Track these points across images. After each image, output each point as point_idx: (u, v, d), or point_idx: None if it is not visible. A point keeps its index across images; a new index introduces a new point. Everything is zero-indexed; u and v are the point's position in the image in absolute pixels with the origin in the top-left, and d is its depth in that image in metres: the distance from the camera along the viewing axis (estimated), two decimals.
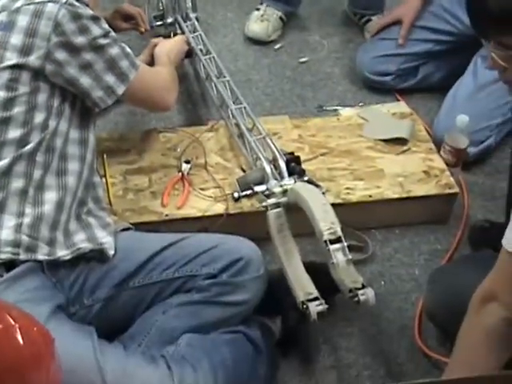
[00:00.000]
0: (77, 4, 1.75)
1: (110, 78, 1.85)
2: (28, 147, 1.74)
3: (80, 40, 1.76)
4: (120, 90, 1.88)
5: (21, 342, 1.28)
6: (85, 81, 1.80)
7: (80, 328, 1.74)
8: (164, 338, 1.80)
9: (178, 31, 2.82)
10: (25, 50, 1.72)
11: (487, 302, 1.52)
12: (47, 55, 1.73)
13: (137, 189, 2.30)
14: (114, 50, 1.84)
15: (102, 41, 1.80)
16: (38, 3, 1.73)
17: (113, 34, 1.85)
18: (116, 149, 2.46)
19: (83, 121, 1.86)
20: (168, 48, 2.42)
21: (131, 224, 2.04)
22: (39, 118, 1.75)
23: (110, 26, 1.87)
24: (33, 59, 1.72)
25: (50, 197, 1.77)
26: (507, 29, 1.48)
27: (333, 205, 1.85)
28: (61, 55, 1.74)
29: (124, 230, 1.96)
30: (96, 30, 1.79)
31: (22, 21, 1.72)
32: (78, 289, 1.80)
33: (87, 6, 1.80)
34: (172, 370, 1.69)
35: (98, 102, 1.85)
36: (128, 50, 1.90)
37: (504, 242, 1.47)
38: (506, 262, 1.48)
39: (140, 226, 2.08)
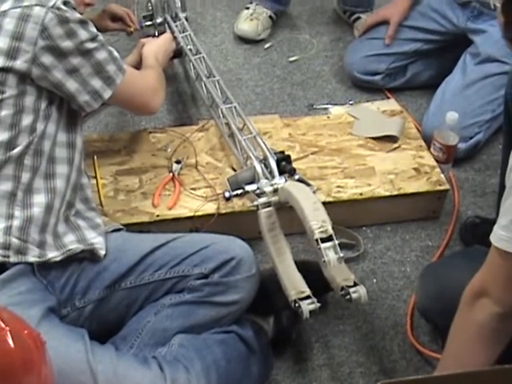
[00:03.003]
0: (64, 8, 1.73)
1: (96, 83, 1.84)
2: (16, 150, 1.73)
3: (67, 44, 1.74)
4: (106, 94, 1.87)
5: (11, 345, 1.28)
6: (71, 85, 1.79)
7: (72, 330, 1.73)
8: (156, 338, 1.80)
9: (168, 31, 2.82)
10: (11, 54, 1.70)
11: (478, 297, 1.53)
12: (34, 59, 1.71)
13: (127, 189, 2.30)
14: (102, 55, 1.83)
15: (90, 45, 1.79)
16: (24, 7, 1.71)
17: (101, 37, 1.83)
18: (106, 150, 2.46)
19: (70, 123, 1.86)
20: (155, 48, 2.41)
21: (122, 225, 2.04)
22: (27, 120, 1.74)
23: (97, 26, 1.86)
24: (19, 63, 1.71)
25: (39, 200, 1.77)
26: None
27: (324, 203, 1.85)
28: (47, 59, 1.73)
29: (115, 230, 1.95)
30: (83, 34, 1.77)
31: (9, 24, 1.70)
32: (70, 291, 1.80)
33: (75, 9, 1.78)
34: (164, 371, 1.69)
35: (84, 105, 1.84)
36: (115, 54, 1.89)
37: (492, 237, 1.48)
38: (496, 257, 1.48)
39: (131, 227, 2.08)
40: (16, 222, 1.72)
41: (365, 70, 2.93)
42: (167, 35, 2.60)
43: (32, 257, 1.72)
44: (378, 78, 2.92)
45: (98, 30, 1.86)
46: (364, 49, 2.95)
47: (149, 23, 2.85)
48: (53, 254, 1.75)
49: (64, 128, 1.83)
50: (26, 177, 1.75)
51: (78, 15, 1.76)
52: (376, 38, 2.94)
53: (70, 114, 1.86)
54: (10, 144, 1.73)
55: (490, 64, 2.62)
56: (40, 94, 1.76)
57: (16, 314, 1.39)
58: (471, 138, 2.61)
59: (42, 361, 1.33)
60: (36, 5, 1.71)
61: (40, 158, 1.77)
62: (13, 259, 1.70)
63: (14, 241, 1.71)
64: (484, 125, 2.62)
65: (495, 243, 1.47)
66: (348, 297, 1.73)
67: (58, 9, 1.72)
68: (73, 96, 1.81)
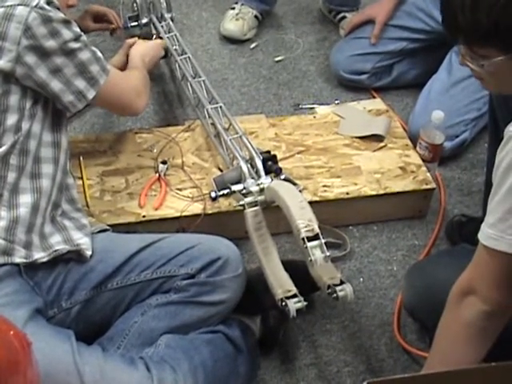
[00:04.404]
0: (47, 7, 1.72)
1: (80, 83, 1.83)
2: (1, 150, 1.73)
3: (50, 44, 1.74)
4: (90, 94, 1.86)
5: None
6: (55, 85, 1.78)
7: (58, 331, 1.73)
8: (143, 339, 1.80)
9: (153, 31, 2.82)
10: None
11: (465, 295, 1.53)
12: (17, 58, 1.71)
13: (114, 190, 2.30)
14: (85, 55, 1.82)
15: (73, 45, 1.78)
16: (8, 6, 1.70)
17: (84, 38, 1.83)
18: (92, 150, 2.45)
19: (56, 123, 1.85)
20: (143, 51, 2.39)
21: (108, 225, 2.03)
22: (11, 119, 1.74)
23: (79, 26, 1.85)
24: (3, 62, 1.70)
25: (25, 200, 1.76)
26: (474, 41, 1.50)
27: (310, 202, 1.86)
28: (31, 59, 1.72)
29: (101, 231, 1.95)
30: (67, 34, 1.76)
31: None
32: (56, 292, 1.79)
33: (58, 9, 1.78)
34: (151, 372, 1.69)
35: (69, 106, 1.84)
36: (99, 54, 1.88)
37: (480, 236, 1.48)
38: (484, 255, 1.49)
39: (117, 228, 2.08)
40: (2, 223, 1.72)
41: (351, 69, 2.93)
42: (158, 41, 2.59)
43: (18, 258, 1.72)
44: (364, 77, 2.92)
45: (81, 30, 1.85)
46: (350, 48, 2.95)
47: (134, 24, 2.85)
48: (39, 255, 1.75)
49: (49, 127, 1.83)
50: (11, 176, 1.75)
51: (61, 15, 1.76)
52: (362, 37, 2.94)
53: (56, 113, 1.85)
54: None
55: None
56: (25, 93, 1.76)
57: (2, 315, 1.38)
58: (457, 136, 2.62)
59: (28, 362, 1.33)
60: (19, 4, 1.70)
61: (26, 158, 1.77)
62: None
63: (1, 242, 1.70)
64: (470, 123, 2.62)
65: (483, 241, 1.47)
66: (334, 295, 1.72)
67: (42, 8, 1.71)
68: (57, 96, 1.81)
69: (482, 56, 1.51)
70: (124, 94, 2.04)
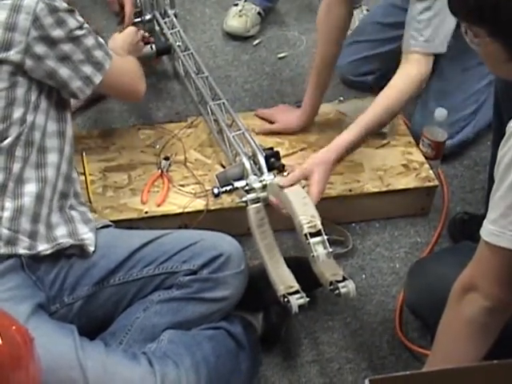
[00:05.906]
0: None
1: (87, 68, 1.85)
2: (6, 142, 1.74)
3: (58, 33, 1.76)
4: (97, 79, 1.88)
5: None
6: (64, 72, 1.81)
7: (61, 326, 1.73)
8: (145, 335, 1.80)
9: (157, 28, 2.82)
10: (4, 45, 1.71)
11: (467, 292, 1.53)
12: (27, 49, 1.73)
13: (116, 186, 2.30)
14: (90, 41, 1.85)
15: (79, 32, 1.82)
16: None
17: (86, 25, 1.86)
18: (95, 146, 2.45)
19: (60, 113, 1.86)
20: (120, 44, 2.37)
21: (111, 221, 2.03)
22: (18, 112, 1.75)
23: None
24: (13, 54, 1.72)
25: (30, 189, 1.77)
26: (464, 18, 1.52)
27: None
28: (40, 49, 1.75)
29: (104, 227, 1.95)
30: (72, 23, 1.79)
31: (1, 15, 1.71)
32: (59, 287, 1.80)
33: None
34: (154, 367, 1.69)
35: (77, 92, 1.86)
36: (101, 40, 1.92)
37: (482, 232, 1.48)
38: (485, 251, 1.48)
39: (120, 223, 2.08)
40: (6, 213, 1.73)
41: (355, 72, 2.91)
42: (128, 29, 2.52)
43: (22, 249, 1.72)
44: (370, 78, 2.90)
45: None
46: (351, 53, 2.91)
47: (137, 20, 2.84)
48: (43, 247, 1.75)
49: (53, 118, 1.84)
50: (16, 167, 1.76)
51: (65, 4, 1.80)
52: (361, 40, 2.92)
53: (59, 103, 1.87)
54: (1, 136, 1.74)
55: (469, 56, 2.60)
56: (30, 85, 1.78)
57: (4, 309, 1.38)
58: (458, 132, 2.60)
59: (30, 357, 1.33)
60: None
61: (31, 149, 1.78)
62: (3, 250, 1.70)
63: (5, 231, 1.71)
64: (469, 117, 2.61)
65: (485, 237, 1.47)
66: (337, 292, 1.72)
67: None
68: (66, 83, 1.83)
69: (474, 32, 1.52)
70: (127, 77, 2.09)
